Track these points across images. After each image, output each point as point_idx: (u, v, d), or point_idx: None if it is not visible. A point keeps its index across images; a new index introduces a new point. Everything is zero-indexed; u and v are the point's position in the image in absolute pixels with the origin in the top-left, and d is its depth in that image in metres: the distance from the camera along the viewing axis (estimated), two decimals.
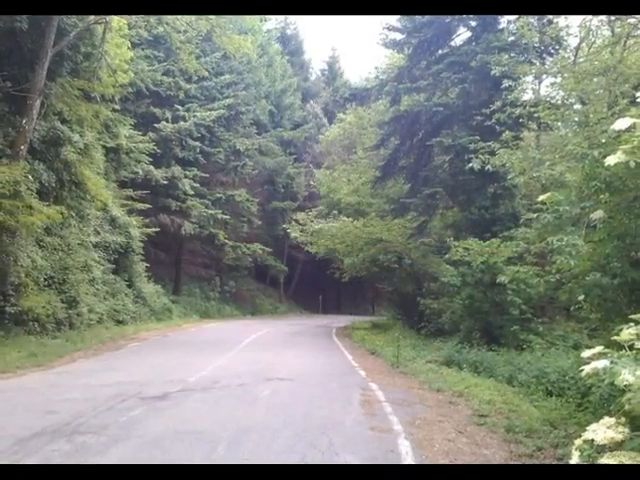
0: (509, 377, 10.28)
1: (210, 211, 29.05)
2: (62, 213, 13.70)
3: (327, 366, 12.58)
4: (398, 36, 20.74)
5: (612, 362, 2.90)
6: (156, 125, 26.69)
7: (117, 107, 20.55)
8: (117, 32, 18.19)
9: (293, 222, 28.78)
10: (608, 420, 3.06)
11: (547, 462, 5.75)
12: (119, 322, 18.54)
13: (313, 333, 22.64)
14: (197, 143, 28.36)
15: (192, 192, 28.03)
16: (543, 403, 8.43)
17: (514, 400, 8.62)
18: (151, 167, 25.35)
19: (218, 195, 30.79)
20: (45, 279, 14.39)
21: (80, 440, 5.71)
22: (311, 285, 45.41)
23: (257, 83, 35.36)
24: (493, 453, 6.08)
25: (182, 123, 27.57)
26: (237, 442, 5.86)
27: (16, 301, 12.68)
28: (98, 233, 19.03)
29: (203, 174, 29.23)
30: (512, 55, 16.11)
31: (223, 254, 32.12)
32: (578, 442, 3.13)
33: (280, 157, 37.77)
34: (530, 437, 6.62)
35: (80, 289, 15.76)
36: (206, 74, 27.31)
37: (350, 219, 21.88)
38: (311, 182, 36.56)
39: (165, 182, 26.40)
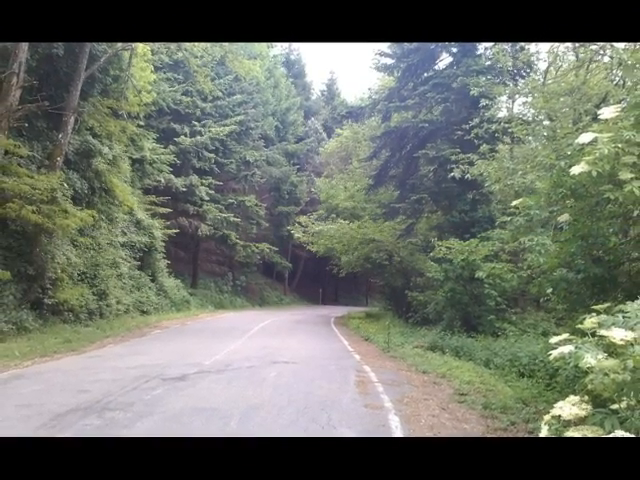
0: (486, 360, 10.26)
1: (223, 215, 28.99)
2: (93, 216, 13.70)
3: (326, 351, 12.56)
4: (389, 61, 20.71)
5: (576, 347, 2.89)
6: (176, 139, 26.65)
7: (142, 123, 20.56)
8: (142, 57, 18.20)
9: (296, 224, 28.72)
10: (573, 398, 3.05)
11: (520, 435, 5.75)
12: (143, 312, 18.51)
13: (314, 322, 22.62)
14: (212, 155, 28.31)
15: (207, 198, 28.01)
16: (516, 383, 8.42)
17: (490, 381, 8.62)
18: (171, 176, 25.32)
19: (230, 200, 30.73)
20: (78, 274, 14.38)
21: (109, 415, 5.72)
22: (312, 279, 45.40)
23: (265, 102, 35.29)
24: (472, 427, 6.08)
25: (199, 137, 27.51)
26: (247, 417, 5.85)
27: (53, 294, 12.67)
28: (125, 234, 19.01)
29: (217, 182, 29.15)
30: (489, 77, 16.10)
31: (235, 252, 32.04)
32: (547, 418, 3.12)
33: (285, 167, 37.74)
34: (505, 413, 6.62)
35: (109, 283, 15.74)
36: (220, 94, 27.40)
37: (346, 222, 21.84)
38: (312, 189, 36.53)
39: (184, 189, 26.36)
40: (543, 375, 8.30)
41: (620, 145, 4.14)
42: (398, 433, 5.57)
